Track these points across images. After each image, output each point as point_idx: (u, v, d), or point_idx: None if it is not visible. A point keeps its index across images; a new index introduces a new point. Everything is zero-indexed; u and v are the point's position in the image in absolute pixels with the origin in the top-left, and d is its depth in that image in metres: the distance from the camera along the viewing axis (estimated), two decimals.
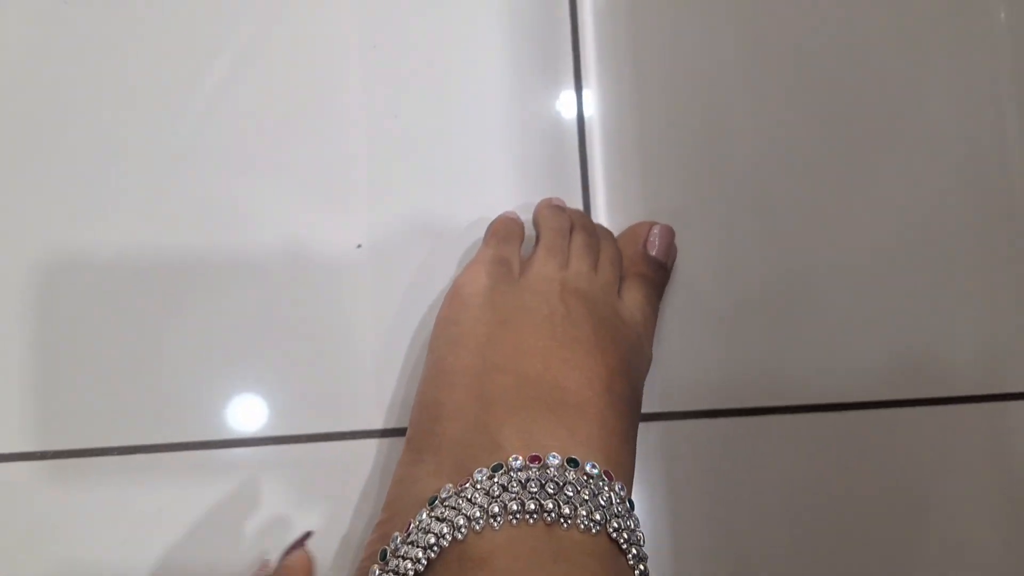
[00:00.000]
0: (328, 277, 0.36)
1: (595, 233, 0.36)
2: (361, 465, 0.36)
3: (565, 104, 0.39)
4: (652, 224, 0.37)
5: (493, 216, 0.36)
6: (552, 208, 0.36)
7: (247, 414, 0.36)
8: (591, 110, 0.39)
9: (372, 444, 0.36)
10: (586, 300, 0.32)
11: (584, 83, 0.39)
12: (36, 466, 0.34)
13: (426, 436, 0.31)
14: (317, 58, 0.38)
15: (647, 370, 0.35)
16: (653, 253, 0.36)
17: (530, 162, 0.38)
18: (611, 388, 0.30)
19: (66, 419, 0.35)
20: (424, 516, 0.27)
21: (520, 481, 0.27)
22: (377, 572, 0.28)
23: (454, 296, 0.33)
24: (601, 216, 0.38)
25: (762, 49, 0.40)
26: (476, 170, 0.38)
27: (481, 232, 0.36)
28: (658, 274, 0.36)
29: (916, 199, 0.40)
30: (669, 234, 0.37)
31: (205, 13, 0.37)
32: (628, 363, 0.32)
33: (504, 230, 0.35)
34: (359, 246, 0.36)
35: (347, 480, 0.35)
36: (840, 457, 0.38)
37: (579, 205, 0.38)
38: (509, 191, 0.38)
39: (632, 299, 0.34)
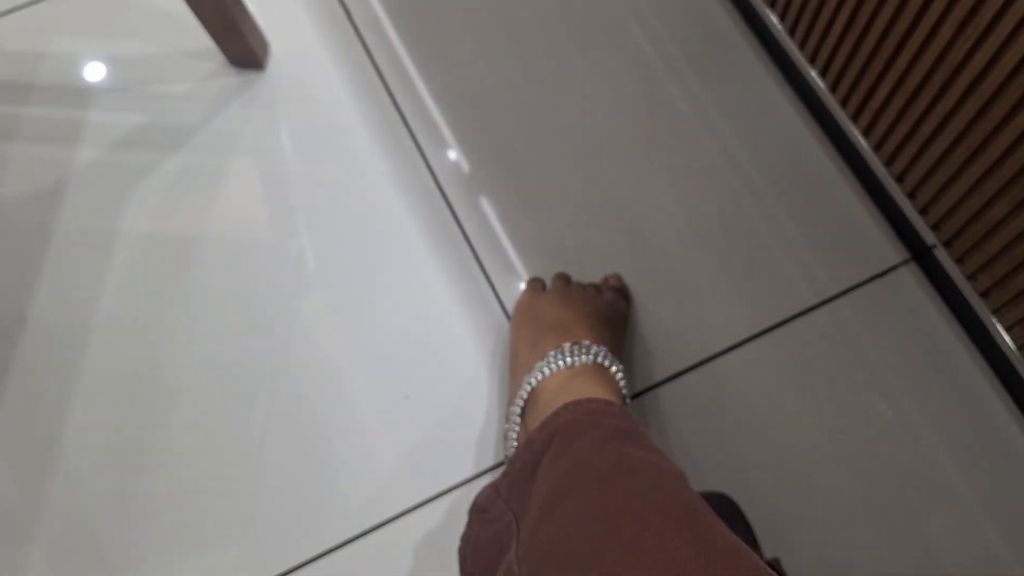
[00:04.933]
0: None
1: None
2: None
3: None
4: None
5: None
6: (556, 275, 0.71)
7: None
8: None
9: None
10: (575, 293, 0.66)
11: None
12: None
13: (513, 365, 0.64)
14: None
15: (623, 316, 0.67)
16: (612, 283, 0.70)
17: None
18: (590, 322, 0.62)
19: None
20: (524, 384, 0.59)
21: (552, 358, 0.58)
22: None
23: (516, 307, 0.68)
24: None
25: None
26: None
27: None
28: (620, 287, 0.69)
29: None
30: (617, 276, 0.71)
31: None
32: (600, 313, 0.64)
33: (535, 279, 0.70)
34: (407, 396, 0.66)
35: None
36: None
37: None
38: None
39: (606, 292, 0.68)
